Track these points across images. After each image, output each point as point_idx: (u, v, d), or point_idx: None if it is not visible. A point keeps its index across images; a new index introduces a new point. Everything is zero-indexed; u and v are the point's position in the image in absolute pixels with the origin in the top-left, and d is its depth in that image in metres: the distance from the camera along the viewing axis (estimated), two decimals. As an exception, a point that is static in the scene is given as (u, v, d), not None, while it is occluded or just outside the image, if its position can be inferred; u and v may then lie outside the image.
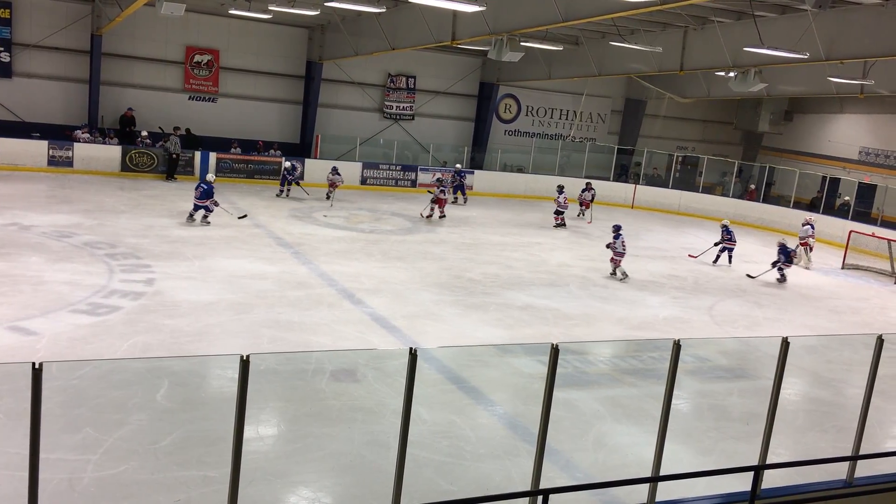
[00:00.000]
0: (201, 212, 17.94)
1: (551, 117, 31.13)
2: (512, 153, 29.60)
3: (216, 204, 17.90)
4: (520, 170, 29.22)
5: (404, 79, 28.03)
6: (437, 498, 4.79)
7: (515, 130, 30.62)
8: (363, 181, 26.11)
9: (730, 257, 19.51)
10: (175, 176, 23.42)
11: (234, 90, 25.79)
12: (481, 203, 25.83)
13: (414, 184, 26.69)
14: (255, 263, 14.87)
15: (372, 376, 9.83)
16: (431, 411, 8.99)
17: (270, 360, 9.24)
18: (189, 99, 25.37)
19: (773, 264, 18.30)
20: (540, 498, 4.94)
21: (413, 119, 28.46)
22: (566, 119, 31.35)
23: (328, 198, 22.65)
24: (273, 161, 24.79)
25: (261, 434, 8.09)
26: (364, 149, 27.00)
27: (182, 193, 21.31)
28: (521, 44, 18.40)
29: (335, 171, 23.02)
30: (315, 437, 8.20)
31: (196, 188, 18.02)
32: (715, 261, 19.45)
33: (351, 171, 25.86)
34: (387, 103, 28.03)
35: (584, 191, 25.11)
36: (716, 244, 19.60)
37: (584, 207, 24.96)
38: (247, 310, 12.03)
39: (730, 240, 19.40)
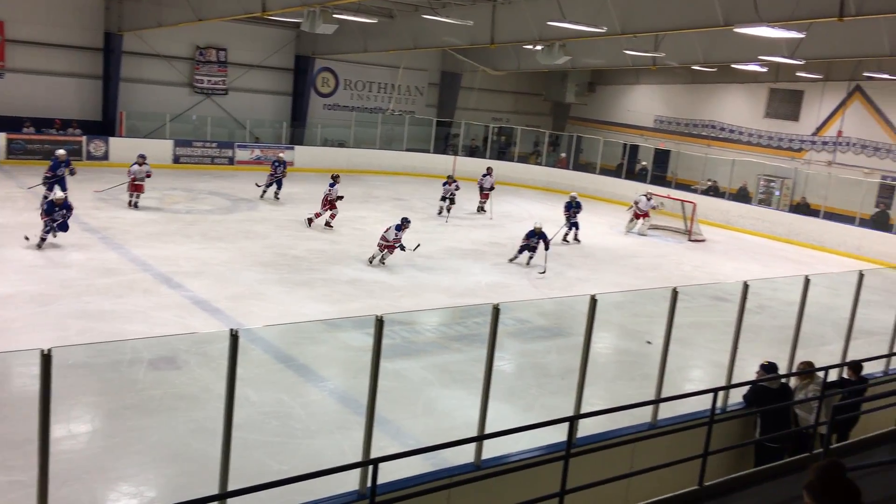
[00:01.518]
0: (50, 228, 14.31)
1: (370, 91, 31.04)
2: (332, 128, 29.27)
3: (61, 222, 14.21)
4: (341, 144, 28.99)
5: (214, 51, 26.84)
6: (267, 479, 4.72)
7: (335, 104, 30.26)
8: (176, 160, 24.86)
9: (576, 235, 19.63)
10: (-42, 160, 21.19)
11: (23, 64, 23.54)
12: (303, 179, 25.38)
13: (231, 161, 25.77)
14: (56, 251, 13.81)
15: (194, 362, 9.49)
16: (260, 392, 8.83)
17: (80, 352, 8.66)
18: (-30, 74, 22.94)
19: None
20: (371, 468, 5.00)
21: (227, 94, 27.36)
22: (385, 92, 31.39)
23: (131, 204, 18.40)
24: (73, 140, 23.02)
25: (73, 432, 7.60)
26: (175, 126, 25.66)
27: (-32, 179, 19.34)
28: (335, 16, 18.15)
29: (142, 159, 18.54)
30: (135, 430, 7.82)
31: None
32: (564, 237, 19.42)
33: (162, 149, 24.53)
34: (197, 77, 26.74)
35: (484, 176, 22.81)
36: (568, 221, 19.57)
37: (483, 200, 22.66)
38: (50, 301, 11.19)
39: (574, 215, 19.44)
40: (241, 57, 27.35)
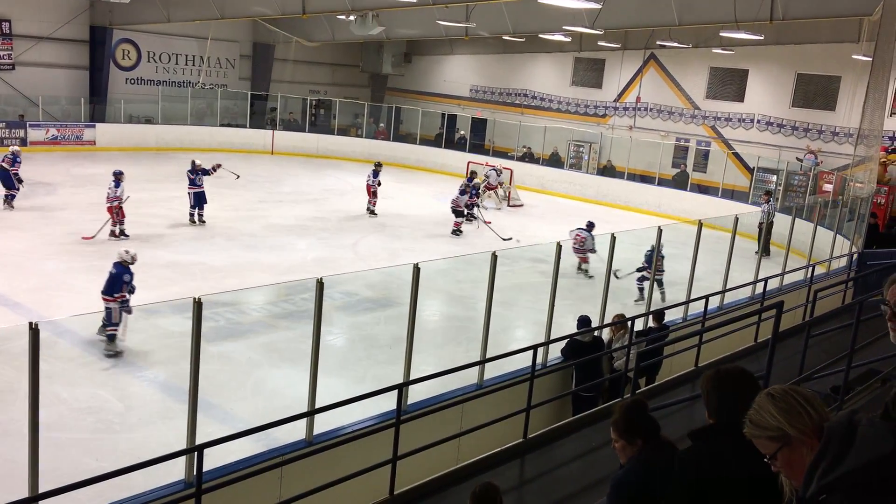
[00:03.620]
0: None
1: (177, 63, 29.42)
2: (137, 103, 27.48)
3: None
4: (148, 121, 27.35)
5: (-4, 23, 24.39)
6: (83, 478, 4.44)
7: (138, 78, 28.41)
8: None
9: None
10: None
11: None
12: (107, 159, 23.78)
13: (24, 142, 23.61)
14: None
15: (-7, 362, 8.72)
16: (71, 388, 8.28)
17: None
18: None
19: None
20: (196, 454, 4.85)
21: (14, 69, 24.95)
22: (193, 65, 29.87)
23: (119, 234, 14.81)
24: None
25: None
26: (-46, 105, 23.19)
27: None
28: (132, -17, 17.05)
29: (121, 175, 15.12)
30: (-73, 442, 7.09)
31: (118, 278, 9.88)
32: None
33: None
34: (-23, 51, 24.22)
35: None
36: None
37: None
38: None
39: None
40: (27, 28, 24.99)
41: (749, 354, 8.91)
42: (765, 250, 16.98)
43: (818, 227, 15.15)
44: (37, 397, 4.54)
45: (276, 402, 8.62)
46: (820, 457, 1.81)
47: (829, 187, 21.73)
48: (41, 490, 4.58)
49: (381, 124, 31.11)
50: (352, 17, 20.32)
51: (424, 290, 6.77)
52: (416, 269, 6.60)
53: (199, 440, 5.21)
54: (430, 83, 33.91)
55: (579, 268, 15.16)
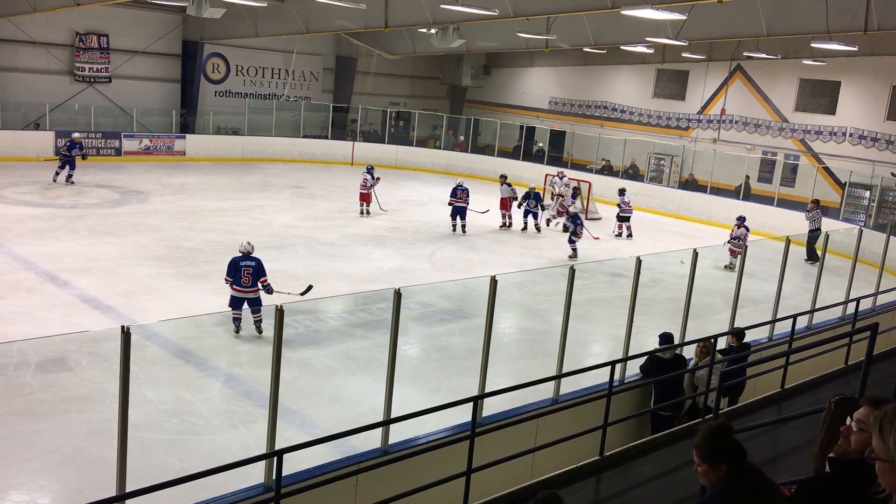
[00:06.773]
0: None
1: (263, 76, 30.29)
2: (225, 115, 28.41)
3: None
4: (235, 132, 28.22)
5: (95, 37, 25.57)
6: (167, 478, 4.58)
7: (226, 91, 29.38)
8: (58, 152, 23.56)
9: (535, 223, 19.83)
10: None
11: None
12: (196, 169, 24.67)
13: (119, 152, 24.69)
14: (-71, 252, 12.95)
15: (86, 362, 9.09)
16: (157, 390, 8.55)
17: (-41, 358, 8.17)
18: None
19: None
20: (275, 459, 4.93)
21: (110, 81, 26.14)
22: (279, 78, 30.70)
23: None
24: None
25: (-45, 442, 7.17)
26: (56, 116, 24.36)
27: None
28: (222, -1, 17.63)
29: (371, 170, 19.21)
30: (24, 436, 7.44)
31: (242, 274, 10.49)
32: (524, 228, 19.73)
33: (42, 141, 23.30)
34: (77, 65, 25.43)
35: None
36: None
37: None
38: (-76, 306, 10.49)
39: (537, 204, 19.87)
40: (124, 43, 26.18)
41: (839, 377, 8.55)
42: (812, 256, 17.98)
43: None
44: (126, 398, 4.70)
45: (351, 409, 8.73)
46: None
47: (926, 204, 20.71)
48: (128, 489, 4.73)
49: (460, 136, 31.27)
50: (433, 31, 20.50)
51: (500, 303, 6.72)
52: (494, 282, 6.57)
53: (278, 445, 5.30)
54: (509, 95, 33.91)
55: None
